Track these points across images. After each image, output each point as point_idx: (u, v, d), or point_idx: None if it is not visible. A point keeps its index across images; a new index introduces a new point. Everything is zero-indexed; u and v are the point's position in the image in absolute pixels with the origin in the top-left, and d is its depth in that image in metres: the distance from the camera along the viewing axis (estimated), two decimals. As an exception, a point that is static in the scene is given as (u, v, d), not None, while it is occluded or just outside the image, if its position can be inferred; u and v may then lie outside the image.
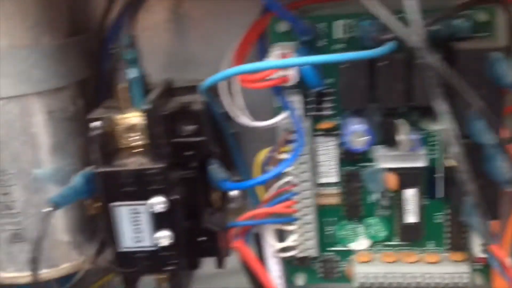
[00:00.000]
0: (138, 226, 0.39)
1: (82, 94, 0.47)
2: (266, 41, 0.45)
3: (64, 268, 0.46)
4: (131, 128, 0.41)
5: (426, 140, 0.45)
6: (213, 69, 0.43)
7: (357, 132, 0.42)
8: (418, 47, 0.34)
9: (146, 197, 0.38)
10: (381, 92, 0.41)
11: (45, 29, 0.43)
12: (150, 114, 0.38)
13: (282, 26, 0.44)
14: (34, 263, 0.39)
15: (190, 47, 0.50)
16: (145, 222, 0.39)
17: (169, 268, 0.40)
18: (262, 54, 0.44)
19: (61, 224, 0.45)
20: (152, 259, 0.40)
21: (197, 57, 0.49)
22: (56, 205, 0.40)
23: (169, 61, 0.50)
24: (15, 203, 0.44)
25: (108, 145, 0.41)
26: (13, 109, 0.42)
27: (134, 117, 0.41)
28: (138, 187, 0.38)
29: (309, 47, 0.43)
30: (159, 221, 0.39)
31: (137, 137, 0.41)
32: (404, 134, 0.43)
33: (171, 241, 0.39)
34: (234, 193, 0.50)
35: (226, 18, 0.48)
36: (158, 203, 0.38)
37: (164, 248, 0.39)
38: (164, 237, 0.39)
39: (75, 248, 0.46)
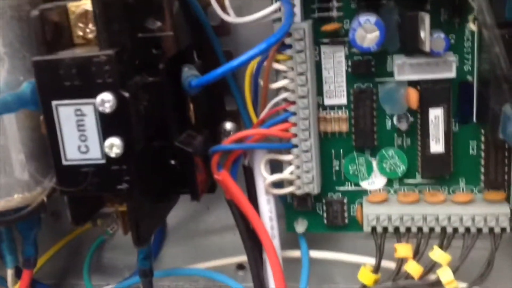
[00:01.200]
0: (83, 132, 0.31)
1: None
2: None
3: (15, 199, 0.38)
4: (85, 16, 0.33)
5: (457, 46, 0.36)
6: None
7: (366, 25, 0.33)
8: None
9: (92, 94, 0.30)
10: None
11: None
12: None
13: None
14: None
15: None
16: (91, 126, 0.31)
17: (121, 186, 0.31)
18: None
19: (14, 147, 0.38)
20: (100, 174, 0.32)
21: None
22: (-10, 110, 0.33)
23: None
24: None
25: (61, 38, 0.33)
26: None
27: (89, 3, 0.33)
28: (82, 81, 0.30)
29: None
30: (108, 125, 0.31)
31: (93, 27, 0.33)
32: (429, 32, 0.34)
33: (121, 151, 0.31)
34: (228, 125, 0.43)
35: None
36: (105, 100, 0.30)
37: (113, 161, 0.31)
38: (113, 145, 0.31)
39: (30, 177, 0.39)
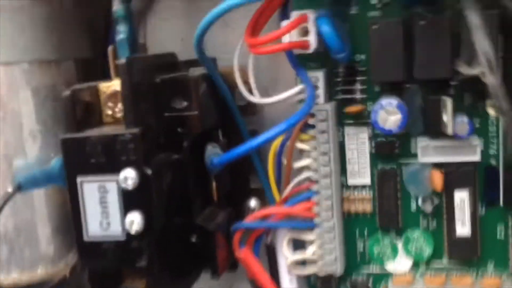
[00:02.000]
0: (105, 209, 0.32)
1: (82, 76, 0.42)
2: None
3: (39, 274, 0.39)
4: (114, 96, 0.35)
5: (483, 130, 0.36)
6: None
7: (388, 108, 0.34)
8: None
9: (116, 171, 0.31)
10: (422, 58, 0.33)
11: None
12: (126, 70, 0.31)
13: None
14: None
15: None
16: (113, 203, 0.32)
17: (140, 263, 0.32)
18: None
19: (41, 221, 0.39)
20: (120, 251, 0.32)
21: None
22: (20, 186, 0.34)
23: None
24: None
25: (91, 117, 0.35)
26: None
27: (119, 84, 0.34)
28: (107, 158, 0.31)
29: (339, 13, 0.36)
30: (129, 201, 0.31)
31: (121, 106, 0.34)
32: (452, 116, 0.34)
33: (141, 227, 0.31)
34: (252, 203, 0.43)
35: None
36: (128, 177, 0.31)
37: (134, 237, 0.31)
38: (133, 222, 0.31)
39: (55, 251, 0.39)
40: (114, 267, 0.32)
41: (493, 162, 0.36)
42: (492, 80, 0.21)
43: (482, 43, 0.21)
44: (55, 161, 0.37)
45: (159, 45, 0.44)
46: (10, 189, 0.34)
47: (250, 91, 0.37)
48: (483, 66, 0.22)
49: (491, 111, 0.33)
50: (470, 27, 0.21)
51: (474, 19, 0.21)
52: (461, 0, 0.22)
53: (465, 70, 0.23)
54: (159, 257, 0.32)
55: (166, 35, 0.44)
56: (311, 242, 0.38)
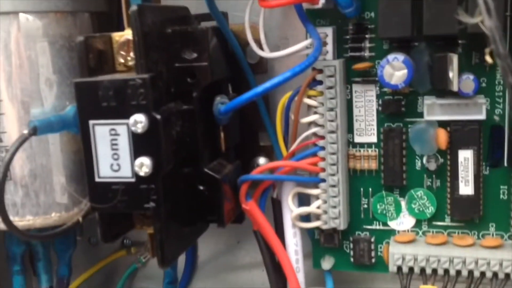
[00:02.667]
0: (116, 151, 0.33)
1: (97, 28, 0.43)
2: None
3: (52, 218, 0.40)
4: (127, 44, 0.35)
5: (489, 89, 0.36)
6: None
7: (394, 63, 0.34)
8: None
9: (127, 115, 0.32)
10: (429, 14, 0.33)
11: None
12: (137, 17, 0.32)
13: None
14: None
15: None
16: (124, 146, 0.33)
17: (148, 205, 0.33)
18: None
19: (57, 168, 0.40)
20: (130, 192, 0.33)
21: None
22: (35, 129, 0.35)
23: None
24: (5, 134, 0.39)
25: (104, 65, 0.36)
26: (9, 27, 0.38)
27: (130, 34, 0.35)
28: (118, 102, 0.32)
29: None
30: (139, 145, 0.32)
31: (133, 55, 0.35)
32: (457, 73, 0.34)
33: (150, 170, 0.32)
34: (261, 160, 0.44)
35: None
36: (138, 121, 0.32)
37: (142, 180, 0.33)
38: (143, 164, 0.32)
39: (69, 198, 0.41)
40: (123, 208, 0.33)
41: (499, 121, 0.36)
42: (489, 23, 0.22)
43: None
44: (70, 108, 0.38)
45: None
46: (26, 132, 0.35)
47: (261, 48, 0.38)
48: (481, 9, 0.22)
49: (489, 59, 0.33)
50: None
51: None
52: None
53: (466, 18, 0.23)
54: (167, 201, 0.33)
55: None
56: (316, 197, 0.39)
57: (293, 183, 0.39)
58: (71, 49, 0.39)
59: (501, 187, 0.37)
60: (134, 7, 0.32)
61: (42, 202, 0.40)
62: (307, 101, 0.38)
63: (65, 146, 0.40)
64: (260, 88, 0.33)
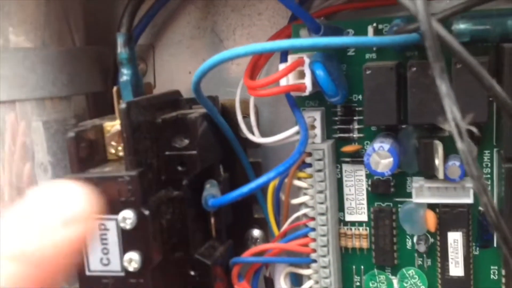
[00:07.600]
0: (106, 245, 0.33)
1: (93, 108, 0.44)
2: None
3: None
4: (118, 135, 0.36)
5: (475, 172, 0.36)
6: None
7: (380, 152, 0.35)
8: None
9: (116, 211, 0.33)
10: (414, 104, 0.34)
11: (52, 33, 0.40)
12: (125, 115, 0.33)
13: (304, 34, 0.38)
14: None
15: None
16: (113, 241, 0.33)
17: (137, 300, 0.33)
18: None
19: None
20: (119, 287, 0.33)
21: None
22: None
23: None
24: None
25: (95, 155, 0.36)
26: (6, 115, 0.39)
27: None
28: (108, 198, 0.33)
29: (336, 55, 0.37)
30: (128, 240, 0.33)
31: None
32: (443, 160, 0.34)
33: (139, 265, 0.32)
34: (256, 232, 0.44)
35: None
36: (126, 218, 0.32)
37: (132, 274, 0.33)
38: (132, 260, 0.32)
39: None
40: (113, 302, 0.34)
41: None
42: (461, 146, 0.22)
43: (452, 110, 0.22)
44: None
45: (168, 79, 0.46)
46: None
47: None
48: (452, 132, 0.22)
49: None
50: (441, 95, 0.22)
51: (443, 87, 0.22)
52: (432, 67, 0.23)
53: (443, 124, 0.24)
54: (157, 292, 0.34)
55: (174, 69, 0.46)
56: (308, 277, 0.39)
57: (285, 263, 0.39)
58: (66, 133, 0.40)
59: (492, 267, 0.37)
60: (123, 105, 0.33)
61: None
62: (297, 183, 0.38)
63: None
64: (245, 189, 0.33)
